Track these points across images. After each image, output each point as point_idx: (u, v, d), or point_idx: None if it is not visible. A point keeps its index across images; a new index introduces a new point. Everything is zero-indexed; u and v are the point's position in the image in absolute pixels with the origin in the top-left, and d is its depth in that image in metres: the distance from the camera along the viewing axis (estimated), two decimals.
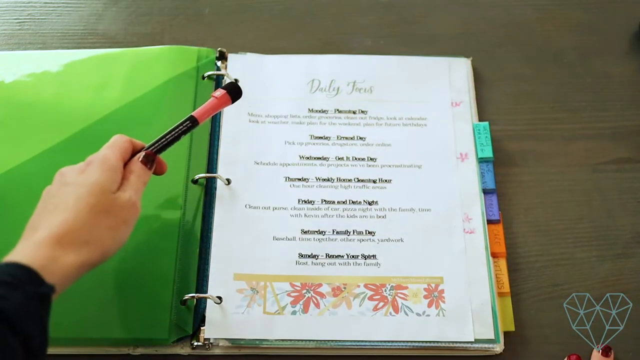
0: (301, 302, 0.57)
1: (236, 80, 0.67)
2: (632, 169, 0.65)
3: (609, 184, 0.64)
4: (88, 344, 0.54)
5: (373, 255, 0.59)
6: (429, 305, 0.57)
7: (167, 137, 0.53)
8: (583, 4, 0.75)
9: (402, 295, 0.57)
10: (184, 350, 0.55)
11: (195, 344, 0.55)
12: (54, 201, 0.46)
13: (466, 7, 0.75)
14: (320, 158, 0.64)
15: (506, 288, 0.58)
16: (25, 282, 0.41)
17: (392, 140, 0.65)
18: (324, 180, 0.63)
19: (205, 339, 0.55)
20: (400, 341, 0.55)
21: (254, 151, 0.64)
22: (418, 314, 0.56)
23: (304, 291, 0.57)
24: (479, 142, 0.64)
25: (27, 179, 0.60)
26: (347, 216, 0.61)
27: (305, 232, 0.60)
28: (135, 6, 0.74)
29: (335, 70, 0.69)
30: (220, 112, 0.66)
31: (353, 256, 0.59)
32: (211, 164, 0.63)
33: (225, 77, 0.67)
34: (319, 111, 0.67)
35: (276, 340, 0.55)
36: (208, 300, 0.56)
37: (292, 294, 0.57)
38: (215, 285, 0.57)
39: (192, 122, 0.54)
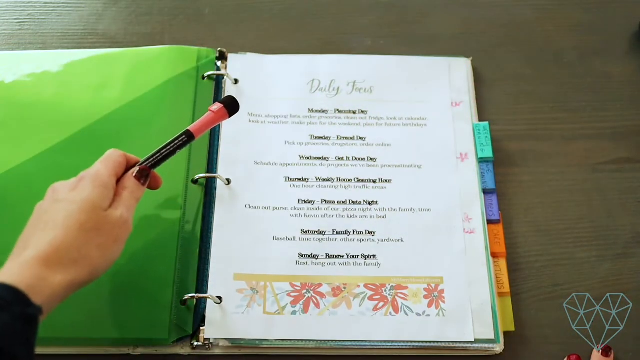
0: (301, 302, 0.57)
1: (236, 80, 0.67)
2: (632, 169, 0.65)
3: (609, 184, 0.64)
4: (88, 344, 0.54)
5: (373, 255, 0.59)
6: (429, 305, 0.57)
7: (162, 151, 0.53)
8: (583, 4, 0.75)
9: (402, 295, 0.57)
10: (184, 350, 0.55)
11: (195, 344, 0.55)
12: (44, 218, 0.46)
13: (466, 7, 0.75)
14: (320, 158, 0.64)
15: (506, 288, 0.58)
16: (12, 303, 0.40)
17: (392, 140, 0.65)
18: (324, 180, 0.63)
19: (205, 339, 0.55)
20: (400, 341, 0.55)
21: (254, 151, 0.64)
22: (418, 314, 0.56)
23: (304, 291, 0.57)
24: (479, 142, 0.64)
25: (27, 179, 0.60)
26: (347, 216, 0.61)
27: (305, 232, 0.60)
28: (135, 6, 0.74)
29: (335, 70, 0.69)
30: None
31: (353, 256, 0.59)
32: (211, 164, 0.63)
33: (225, 77, 0.67)
34: (319, 111, 0.67)
35: (276, 340, 0.55)
36: (208, 300, 0.56)
37: (292, 294, 0.57)
38: (215, 285, 0.57)
39: (188, 136, 0.53)
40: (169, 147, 0.53)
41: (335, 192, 0.62)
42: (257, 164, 0.63)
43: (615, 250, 0.61)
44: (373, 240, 0.60)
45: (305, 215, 0.61)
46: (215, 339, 0.55)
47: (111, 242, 0.47)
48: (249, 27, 0.73)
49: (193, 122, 0.63)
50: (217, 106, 0.55)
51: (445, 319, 0.56)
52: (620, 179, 0.64)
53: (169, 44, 0.69)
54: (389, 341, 0.55)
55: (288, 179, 0.63)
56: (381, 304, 0.57)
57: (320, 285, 0.57)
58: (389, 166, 0.64)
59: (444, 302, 0.57)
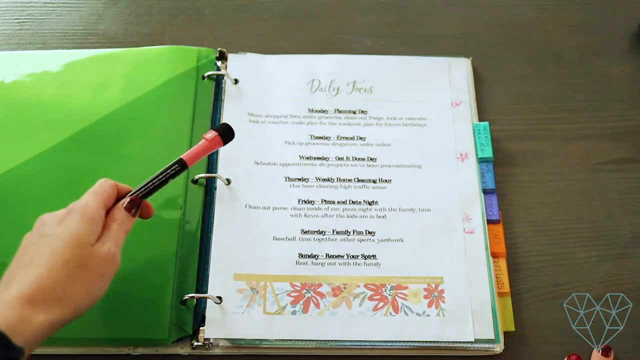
0: (301, 302, 0.57)
1: (236, 80, 0.67)
2: (632, 169, 0.65)
3: (609, 184, 0.64)
4: (88, 344, 0.54)
5: (373, 255, 0.59)
6: (429, 305, 0.57)
7: (154, 181, 0.51)
8: (583, 4, 0.75)
9: (402, 295, 0.57)
10: (184, 350, 0.55)
11: (195, 344, 0.55)
12: (30, 253, 0.45)
13: (466, 7, 0.75)
14: (320, 158, 0.64)
15: (506, 288, 0.58)
16: None
17: (392, 140, 0.65)
18: (324, 180, 0.63)
19: (205, 339, 0.55)
20: (400, 341, 0.55)
21: (254, 151, 0.64)
22: (418, 314, 0.56)
23: (304, 291, 0.57)
24: (479, 142, 0.64)
25: (27, 179, 0.60)
26: (347, 216, 0.61)
27: (305, 232, 0.60)
28: (135, 6, 0.74)
29: (335, 70, 0.69)
30: (220, 111, 0.66)
31: (353, 256, 0.59)
32: (211, 164, 0.63)
33: (225, 77, 0.67)
34: (319, 111, 0.67)
35: (276, 340, 0.55)
36: (208, 300, 0.56)
37: (292, 294, 0.57)
38: (215, 285, 0.57)
39: (181, 165, 0.52)
40: (160, 176, 0.52)
41: (335, 192, 0.62)
42: (257, 164, 0.63)
43: (615, 250, 0.61)
44: (373, 240, 0.60)
45: (305, 215, 0.61)
46: (215, 339, 0.55)
47: (97, 279, 0.46)
48: (249, 27, 0.73)
49: (193, 121, 0.63)
50: (211, 134, 0.54)
51: (445, 319, 0.56)
52: (620, 179, 0.65)
53: (169, 44, 0.69)
54: (389, 341, 0.55)
55: (288, 179, 0.63)
56: (381, 304, 0.57)
57: (320, 285, 0.57)
58: (389, 166, 0.64)
59: (444, 302, 0.57)
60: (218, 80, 0.67)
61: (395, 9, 0.75)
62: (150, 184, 0.51)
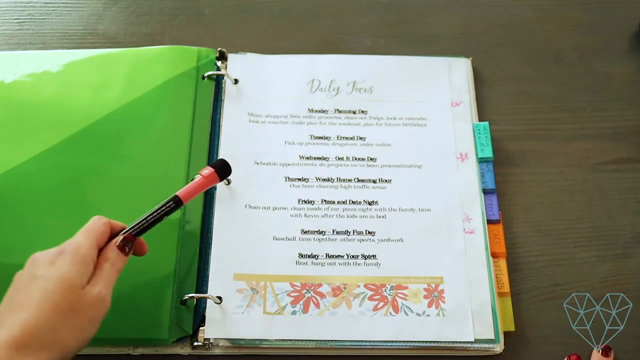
0: (301, 302, 0.57)
1: (236, 80, 0.67)
2: (632, 169, 0.65)
3: (609, 184, 0.64)
4: (88, 344, 0.54)
5: (373, 255, 0.59)
6: (429, 305, 0.57)
7: (149, 218, 0.50)
8: (583, 4, 0.75)
9: (402, 295, 0.57)
10: (184, 350, 0.55)
11: (195, 344, 0.55)
12: (20, 295, 0.45)
13: (466, 7, 0.75)
14: (320, 158, 0.64)
15: (506, 288, 0.58)
16: None
17: (392, 140, 0.65)
18: (324, 180, 0.63)
19: (205, 339, 0.55)
20: (400, 341, 0.55)
21: (254, 151, 0.64)
22: (418, 314, 0.56)
23: (304, 291, 0.57)
24: (479, 142, 0.64)
25: (27, 179, 0.60)
26: (347, 216, 0.61)
27: (305, 232, 0.60)
28: (135, 6, 0.74)
29: (335, 70, 0.69)
30: (220, 111, 0.66)
31: (353, 256, 0.59)
32: None
33: (225, 77, 0.67)
34: (319, 111, 0.67)
35: (276, 340, 0.55)
36: (208, 300, 0.56)
37: (292, 294, 0.57)
38: (215, 285, 0.57)
39: (176, 202, 0.51)
40: (155, 213, 0.51)
41: (335, 192, 0.62)
42: (257, 164, 0.63)
43: (615, 250, 0.61)
44: (373, 240, 0.60)
45: (305, 215, 0.61)
46: (215, 339, 0.55)
47: (86, 322, 0.45)
48: (249, 27, 0.73)
49: (193, 121, 0.63)
50: (207, 170, 0.53)
51: (445, 319, 0.56)
52: (620, 179, 0.65)
53: (169, 44, 0.69)
54: (389, 341, 0.55)
55: (288, 179, 0.63)
56: (381, 304, 0.57)
57: (320, 285, 0.57)
58: (389, 166, 0.64)
59: (444, 302, 0.57)
60: (218, 80, 0.67)
61: (395, 9, 0.75)
62: (145, 221, 0.50)
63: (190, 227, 0.59)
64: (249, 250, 0.59)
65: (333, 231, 0.60)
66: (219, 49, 0.69)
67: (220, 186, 0.61)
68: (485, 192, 0.62)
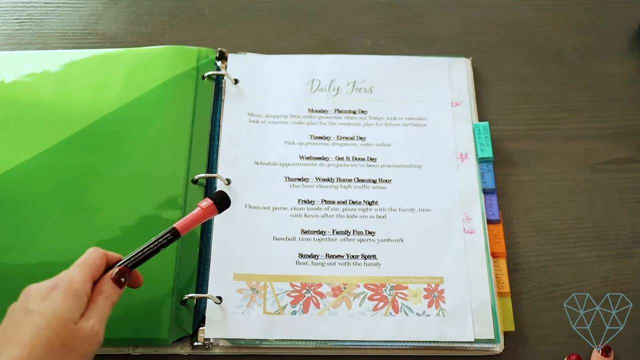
0: (301, 302, 0.57)
1: (236, 80, 0.67)
2: (632, 169, 0.65)
3: (609, 184, 0.64)
4: None
5: (373, 255, 0.59)
6: (429, 305, 0.57)
7: (145, 250, 0.50)
8: (583, 4, 0.75)
9: (402, 295, 0.57)
10: (184, 350, 0.55)
11: (195, 344, 0.55)
12: (12, 330, 0.44)
13: (466, 7, 0.75)
14: (320, 158, 0.64)
15: (506, 288, 0.58)
16: None
17: (392, 140, 0.65)
18: (324, 180, 0.63)
19: (205, 339, 0.55)
20: (400, 341, 0.55)
21: (254, 151, 0.64)
22: (418, 314, 0.56)
23: (304, 291, 0.57)
24: (479, 142, 0.64)
25: (27, 179, 0.60)
26: (347, 216, 0.61)
27: (305, 232, 0.60)
28: (135, 6, 0.74)
29: (335, 70, 0.69)
30: (220, 111, 0.66)
31: (353, 256, 0.59)
32: (211, 164, 0.63)
33: (225, 77, 0.67)
34: (319, 111, 0.67)
35: (276, 340, 0.55)
36: (208, 300, 0.56)
37: (292, 294, 0.57)
38: (215, 285, 0.57)
39: (174, 235, 0.51)
40: (152, 245, 0.50)
41: (335, 192, 0.62)
42: (257, 164, 0.63)
43: (615, 250, 0.61)
44: (373, 240, 0.60)
45: (305, 215, 0.61)
46: (215, 339, 0.55)
47: (78, 357, 0.45)
48: (249, 27, 0.73)
49: (193, 121, 0.63)
50: (206, 202, 0.52)
51: (445, 319, 0.56)
52: (620, 179, 0.65)
53: (169, 44, 0.69)
54: (389, 341, 0.55)
55: (288, 179, 0.63)
56: (381, 304, 0.57)
57: (320, 285, 0.57)
58: (389, 166, 0.64)
59: (444, 302, 0.57)
60: (218, 80, 0.67)
61: (395, 9, 0.75)
62: (141, 253, 0.50)
63: None
64: (249, 250, 0.59)
65: (333, 231, 0.60)
66: (219, 49, 0.69)
67: (220, 186, 0.61)
68: (485, 192, 0.62)
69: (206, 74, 0.67)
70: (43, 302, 0.45)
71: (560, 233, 0.62)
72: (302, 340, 0.55)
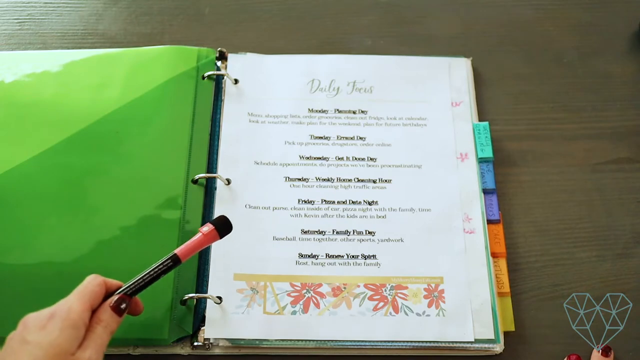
0: (301, 302, 0.57)
1: (236, 80, 0.67)
2: (632, 169, 0.65)
3: (609, 184, 0.64)
4: None
5: (373, 255, 0.59)
6: (429, 305, 0.57)
7: (145, 277, 0.49)
8: (583, 4, 0.75)
9: (402, 295, 0.57)
10: (184, 350, 0.55)
11: (195, 344, 0.55)
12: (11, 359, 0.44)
13: (466, 7, 0.75)
14: (320, 158, 0.64)
15: (506, 288, 0.58)
16: None
17: (392, 140, 0.65)
18: (324, 180, 0.63)
19: (205, 339, 0.55)
20: (400, 341, 0.55)
21: (254, 151, 0.64)
22: (418, 314, 0.56)
23: (304, 291, 0.57)
24: (479, 142, 0.64)
25: (27, 179, 0.60)
26: (347, 216, 0.61)
27: (305, 232, 0.60)
28: (135, 6, 0.74)
29: (335, 70, 0.69)
30: (220, 111, 0.66)
31: (353, 256, 0.59)
32: (211, 164, 0.63)
33: (225, 77, 0.67)
34: (319, 111, 0.67)
35: (276, 340, 0.55)
36: (208, 300, 0.56)
37: (292, 294, 0.57)
38: (215, 285, 0.57)
39: (174, 261, 0.50)
40: (152, 272, 0.49)
41: (335, 192, 0.62)
42: (257, 164, 0.63)
43: (615, 250, 0.61)
44: (373, 240, 0.60)
45: (305, 215, 0.61)
46: (215, 339, 0.55)
47: None
48: (249, 27, 0.73)
49: (193, 121, 0.63)
50: (207, 227, 0.51)
51: (445, 319, 0.56)
52: (620, 179, 0.65)
53: (169, 44, 0.69)
54: (389, 341, 0.55)
55: (288, 179, 0.63)
56: (381, 304, 0.57)
57: (320, 285, 0.57)
58: (389, 166, 0.64)
59: (444, 302, 0.57)
60: (218, 80, 0.67)
61: (395, 9, 0.75)
62: (141, 280, 0.49)
63: (190, 227, 0.59)
64: (249, 250, 0.59)
65: (333, 231, 0.60)
66: (219, 49, 0.69)
67: (220, 186, 0.61)
68: (485, 192, 0.62)
69: (206, 74, 0.67)
70: (40, 332, 0.44)
71: (560, 233, 0.62)
72: (302, 340, 0.55)
